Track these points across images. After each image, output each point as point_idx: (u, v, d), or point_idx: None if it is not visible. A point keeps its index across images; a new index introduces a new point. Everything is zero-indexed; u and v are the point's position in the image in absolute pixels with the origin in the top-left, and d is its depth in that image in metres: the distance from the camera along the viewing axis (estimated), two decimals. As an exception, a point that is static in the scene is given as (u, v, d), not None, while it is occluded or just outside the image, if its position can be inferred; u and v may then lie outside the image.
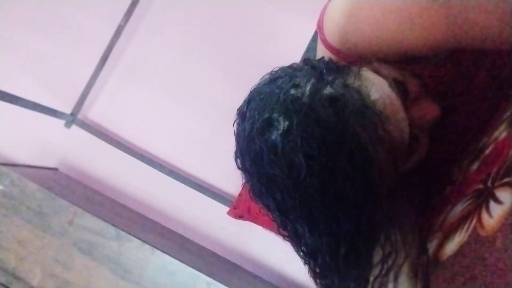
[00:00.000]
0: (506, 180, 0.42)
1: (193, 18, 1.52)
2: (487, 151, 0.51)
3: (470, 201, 0.46)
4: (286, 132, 0.44)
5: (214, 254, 1.45)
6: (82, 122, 1.62)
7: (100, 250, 1.05)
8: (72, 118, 1.61)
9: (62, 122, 1.61)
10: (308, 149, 0.42)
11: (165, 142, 1.60)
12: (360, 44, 0.52)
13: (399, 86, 0.50)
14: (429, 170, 0.64)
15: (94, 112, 1.65)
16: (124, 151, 1.57)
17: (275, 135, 0.45)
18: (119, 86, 1.65)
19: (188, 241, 1.46)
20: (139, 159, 1.55)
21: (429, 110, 0.52)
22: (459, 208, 0.48)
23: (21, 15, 1.66)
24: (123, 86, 1.65)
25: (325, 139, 0.42)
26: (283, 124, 0.44)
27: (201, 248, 1.45)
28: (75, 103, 1.63)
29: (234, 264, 1.44)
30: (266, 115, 0.46)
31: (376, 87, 0.48)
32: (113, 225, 1.06)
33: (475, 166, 0.52)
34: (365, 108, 0.44)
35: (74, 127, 1.62)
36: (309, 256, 0.52)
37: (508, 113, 0.54)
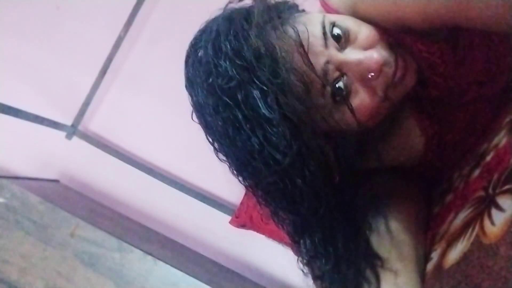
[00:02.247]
0: (507, 187, 0.42)
1: (192, 28, 1.52)
2: (488, 158, 0.51)
3: (472, 208, 0.46)
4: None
5: (216, 264, 1.44)
6: (83, 133, 1.63)
7: (102, 262, 1.05)
8: (73, 130, 1.61)
9: (63, 133, 1.61)
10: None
11: (166, 151, 1.60)
12: (360, 6, 0.53)
13: (336, 29, 0.50)
14: (429, 176, 0.65)
15: (95, 123, 1.66)
16: (125, 162, 1.57)
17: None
18: (119, 96, 1.66)
19: (190, 251, 1.45)
20: (140, 169, 1.55)
21: (369, 59, 0.49)
22: (461, 216, 0.48)
23: (20, 26, 1.66)
24: (124, 97, 1.65)
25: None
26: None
27: (203, 258, 1.44)
28: (75, 115, 1.63)
29: (236, 274, 1.44)
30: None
31: (305, 19, 0.50)
32: (115, 236, 1.06)
33: (476, 173, 0.52)
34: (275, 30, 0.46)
35: (75, 139, 1.63)
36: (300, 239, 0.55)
37: (508, 119, 0.54)
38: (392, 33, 0.53)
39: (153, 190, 1.56)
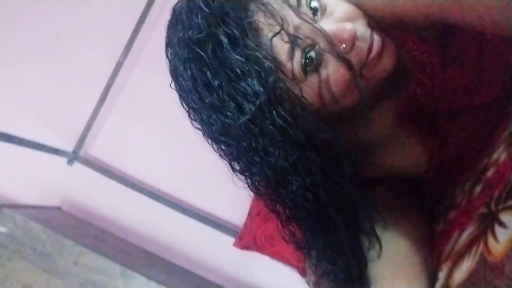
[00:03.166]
0: (510, 203, 0.42)
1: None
2: (489, 174, 0.51)
3: (475, 225, 0.46)
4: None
5: None
6: (84, 159, 1.63)
7: (106, 290, 1.04)
8: (74, 156, 1.62)
9: (64, 160, 1.61)
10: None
11: (168, 175, 1.60)
12: None
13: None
14: (431, 192, 0.64)
15: (96, 148, 1.66)
16: (127, 186, 1.56)
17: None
18: (120, 121, 1.66)
19: (194, 275, 1.44)
20: (142, 193, 1.55)
21: (341, 29, 0.47)
22: (466, 234, 0.47)
23: (21, 54, 1.68)
24: (124, 121, 1.66)
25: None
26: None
27: (208, 282, 1.43)
28: (76, 140, 1.64)
29: (242, 296, 1.42)
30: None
31: None
32: (118, 263, 1.05)
33: (478, 189, 0.52)
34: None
35: (76, 164, 1.63)
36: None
37: (506, 134, 0.54)
38: (384, 28, 0.52)
39: (156, 214, 1.55)
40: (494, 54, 0.57)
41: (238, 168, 0.53)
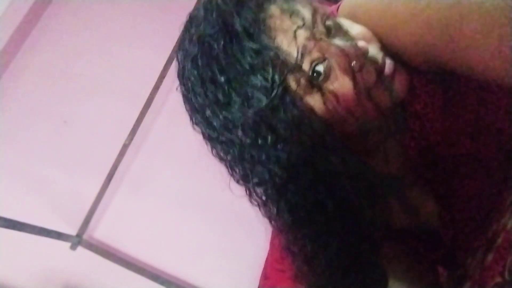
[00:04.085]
0: (523, 271, 0.41)
1: (195, 136, 1.58)
2: (499, 241, 0.50)
3: (491, 296, 0.45)
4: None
5: None
6: (88, 242, 1.60)
7: None
8: (78, 240, 1.60)
9: (67, 244, 1.59)
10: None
11: (173, 257, 1.57)
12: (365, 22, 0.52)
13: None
14: (443, 256, 0.62)
15: (100, 231, 1.64)
16: (132, 270, 1.52)
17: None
18: (124, 204, 1.67)
19: None
20: (147, 277, 1.51)
21: (353, 46, 0.47)
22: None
23: (28, 141, 1.73)
24: (129, 204, 1.66)
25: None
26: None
27: None
28: (80, 224, 1.62)
29: None
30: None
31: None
32: None
33: (490, 257, 0.51)
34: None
35: (79, 249, 1.60)
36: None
37: (511, 199, 0.54)
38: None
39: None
40: (494, 103, 0.55)
41: (238, 173, 0.52)
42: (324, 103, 0.48)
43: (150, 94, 1.66)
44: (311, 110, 0.47)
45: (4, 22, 1.71)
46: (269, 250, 0.87)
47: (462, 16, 0.41)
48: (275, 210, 0.51)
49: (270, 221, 0.54)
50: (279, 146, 0.46)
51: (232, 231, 1.54)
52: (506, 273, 0.43)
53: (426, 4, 0.44)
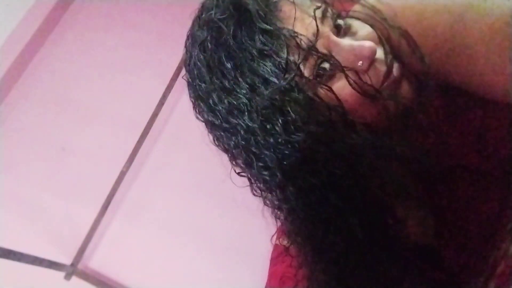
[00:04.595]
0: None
1: (192, 164, 1.59)
2: (499, 269, 0.49)
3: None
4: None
5: None
6: (83, 272, 1.57)
7: None
8: (72, 270, 1.56)
9: (61, 274, 1.56)
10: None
11: (170, 286, 1.53)
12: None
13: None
14: (445, 280, 0.60)
15: (95, 261, 1.61)
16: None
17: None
18: (120, 233, 1.64)
19: None
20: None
21: (361, 46, 0.46)
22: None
23: (25, 166, 1.73)
24: (125, 233, 1.64)
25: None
26: None
27: None
28: (75, 253, 1.60)
29: None
30: None
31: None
32: None
33: (492, 285, 0.50)
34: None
35: (74, 279, 1.57)
36: None
37: (510, 226, 0.53)
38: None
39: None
40: (499, 117, 0.55)
41: (241, 161, 0.50)
42: (329, 100, 0.46)
43: (148, 121, 1.67)
44: (325, 95, 0.46)
45: (5, 50, 1.74)
46: (267, 279, 0.85)
47: (467, 28, 0.41)
48: (282, 196, 0.49)
49: (274, 212, 0.52)
50: (290, 130, 0.45)
51: (229, 260, 1.51)
52: (509, 302, 0.42)
53: (434, 11, 0.44)
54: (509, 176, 0.55)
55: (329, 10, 0.49)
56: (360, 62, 0.46)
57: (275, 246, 0.77)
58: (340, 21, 0.49)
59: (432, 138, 0.53)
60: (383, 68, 0.47)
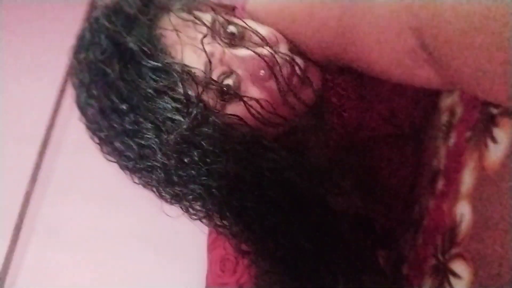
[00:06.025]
0: (454, 251, 0.43)
1: (104, 166, 1.49)
2: (425, 222, 0.53)
3: (431, 279, 0.47)
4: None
5: None
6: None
7: None
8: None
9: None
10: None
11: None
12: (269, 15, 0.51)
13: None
14: (378, 241, 0.65)
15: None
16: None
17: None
18: (40, 255, 1.51)
19: None
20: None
21: (258, 55, 0.46)
22: (426, 288, 0.48)
23: None
24: (44, 257, 1.50)
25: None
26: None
27: None
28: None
29: None
30: None
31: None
32: None
33: (420, 239, 0.53)
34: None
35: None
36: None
37: (426, 180, 0.58)
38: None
39: None
40: (404, 87, 0.57)
41: (168, 195, 0.49)
42: (248, 110, 0.46)
43: (46, 133, 1.53)
44: (237, 118, 0.46)
45: None
46: (207, 267, 0.85)
47: (357, 19, 0.41)
48: (219, 219, 0.49)
49: (216, 230, 0.52)
50: (208, 160, 0.44)
51: (163, 261, 1.47)
52: (440, 255, 0.46)
53: (321, 4, 0.44)
54: (420, 137, 0.60)
55: (218, 19, 0.48)
56: (262, 71, 0.46)
57: (210, 231, 0.76)
58: (232, 28, 0.48)
59: (347, 115, 0.55)
60: (286, 70, 0.47)
